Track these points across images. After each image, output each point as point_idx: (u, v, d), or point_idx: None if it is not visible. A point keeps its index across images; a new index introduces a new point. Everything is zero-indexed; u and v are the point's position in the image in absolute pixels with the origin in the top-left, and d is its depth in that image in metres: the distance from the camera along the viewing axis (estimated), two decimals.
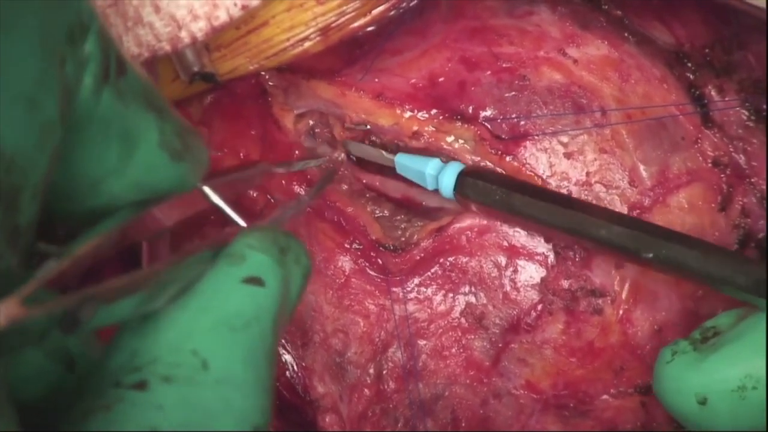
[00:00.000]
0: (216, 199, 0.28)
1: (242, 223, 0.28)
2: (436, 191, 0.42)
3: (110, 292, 0.21)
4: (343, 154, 0.45)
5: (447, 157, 0.42)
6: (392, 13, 0.41)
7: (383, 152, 0.43)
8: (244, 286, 0.24)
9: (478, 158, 0.42)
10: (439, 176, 0.41)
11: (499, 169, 0.42)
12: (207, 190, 0.28)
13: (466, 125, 0.41)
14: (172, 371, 0.22)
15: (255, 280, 0.24)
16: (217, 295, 0.24)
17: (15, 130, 0.19)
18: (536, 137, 0.41)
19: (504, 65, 0.42)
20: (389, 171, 0.44)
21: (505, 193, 0.39)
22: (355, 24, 0.41)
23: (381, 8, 0.41)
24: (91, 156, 0.23)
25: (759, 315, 0.34)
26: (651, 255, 0.35)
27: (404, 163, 0.42)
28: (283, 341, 0.44)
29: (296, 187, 0.44)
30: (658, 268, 0.37)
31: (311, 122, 0.45)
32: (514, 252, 0.42)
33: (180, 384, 0.22)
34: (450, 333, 0.43)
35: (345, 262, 0.44)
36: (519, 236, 0.42)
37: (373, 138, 0.44)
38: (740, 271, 0.34)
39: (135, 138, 0.24)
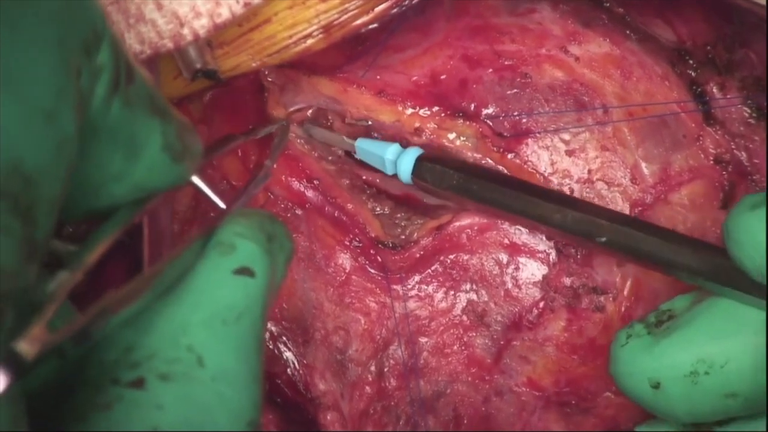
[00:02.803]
0: (199, 182, 0.28)
1: (222, 205, 0.28)
2: (395, 176, 0.42)
3: (121, 301, 0.21)
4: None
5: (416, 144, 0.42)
6: (395, 10, 0.41)
7: (344, 137, 0.43)
8: (235, 277, 0.24)
9: (480, 155, 0.42)
10: (397, 161, 0.41)
11: (500, 168, 0.42)
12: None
13: (468, 122, 0.41)
14: (169, 368, 0.22)
15: (245, 271, 0.24)
16: (209, 288, 0.24)
17: (34, 144, 0.18)
18: (538, 135, 0.41)
19: (506, 63, 0.42)
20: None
21: (462, 178, 0.39)
22: (358, 21, 0.41)
23: (383, 6, 0.41)
24: (96, 162, 0.23)
25: (712, 300, 0.33)
26: (604, 239, 0.35)
27: (364, 147, 0.42)
28: (284, 338, 0.44)
29: (296, 183, 0.44)
30: (617, 255, 0.37)
31: (308, 115, 0.44)
32: (515, 249, 0.42)
33: (177, 382, 0.22)
34: (451, 330, 0.43)
35: (345, 260, 0.44)
36: (520, 234, 0.42)
37: (375, 134, 0.44)
38: (693, 256, 0.33)
39: (140, 143, 0.24)
